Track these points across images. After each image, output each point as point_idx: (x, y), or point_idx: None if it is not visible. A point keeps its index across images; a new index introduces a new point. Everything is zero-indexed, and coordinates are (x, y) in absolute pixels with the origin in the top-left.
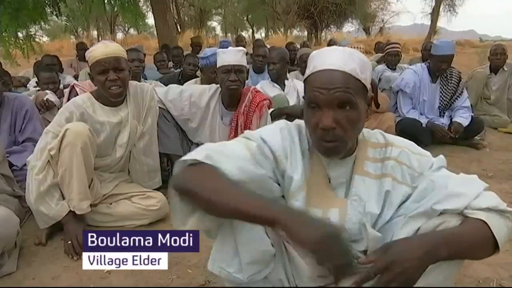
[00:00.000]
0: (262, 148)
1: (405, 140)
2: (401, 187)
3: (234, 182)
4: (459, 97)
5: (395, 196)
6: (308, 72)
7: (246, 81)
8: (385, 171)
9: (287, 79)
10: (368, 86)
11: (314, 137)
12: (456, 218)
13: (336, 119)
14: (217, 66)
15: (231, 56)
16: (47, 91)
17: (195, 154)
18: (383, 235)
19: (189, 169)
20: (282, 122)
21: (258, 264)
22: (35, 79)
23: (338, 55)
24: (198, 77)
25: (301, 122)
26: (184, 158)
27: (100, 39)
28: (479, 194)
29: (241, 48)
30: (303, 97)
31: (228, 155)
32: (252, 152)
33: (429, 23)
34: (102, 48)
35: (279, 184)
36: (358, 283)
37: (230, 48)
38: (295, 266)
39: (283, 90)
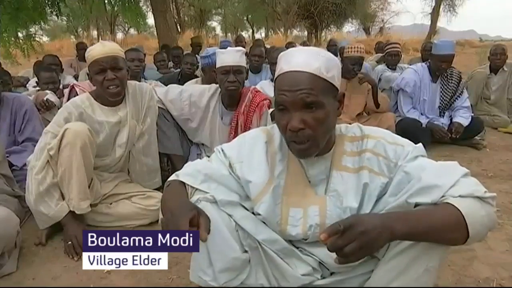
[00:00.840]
0: (217, 155)
1: (382, 129)
2: (378, 178)
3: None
4: (459, 97)
5: (373, 187)
6: (276, 74)
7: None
8: (362, 164)
9: None
10: (336, 84)
11: (286, 138)
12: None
13: (304, 120)
14: (216, 67)
15: (230, 57)
16: (47, 91)
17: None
18: None
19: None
20: (249, 132)
21: (231, 271)
22: (35, 79)
23: (303, 56)
24: (196, 76)
25: None
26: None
27: (100, 39)
28: (455, 183)
29: (240, 48)
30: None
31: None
32: (211, 160)
33: (429, 23)
34: (100, 48)
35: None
36: (327, 234)
37: (229, 48)
38: (278, 269)
39: None
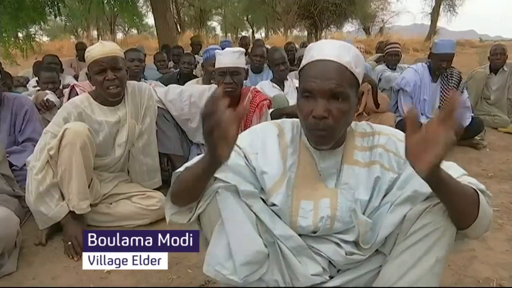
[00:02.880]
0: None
1: (391, 128)
2: (388, 173)
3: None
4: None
5: (383, 182)
6: (304, 62)
7: (245, 81)
8: (374, 158)
9: (287, 79)
10: (360, 81)
11: (305, 125)
12: (440, 204)
13: (328, 109)
14: (215, 67)
15: (227, 58)
16: (47, 91)
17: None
18: (373, 219)
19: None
20: (260, 124)
21: (252, 264)
22: (35, 79)
23: (335, 47)
24: (195, 75)
25: (291, 120)
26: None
27: (100, 39)
28: (460, 176)
29: (238, 48)
30: (297, 88)
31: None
32: None
33: (429, 23)
34: (100, 48)
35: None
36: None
37: (227, 49)
38: (291, 267)
39: (283, 91)
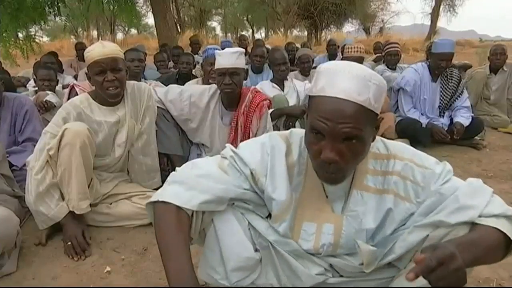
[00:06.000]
0: (234, 164)
1: (408, 149)
2: (404, 204)
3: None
4: (459, 97)
5: (397, 213)
6: (314, 91)
7: (245, 81)
8: (387, 187)
9: (287, 79)
10: (378, 111)
11: (314, 163)
12: (465, 226)
13: (340, 152)
14: (215, 68)
15: (226, 59)
16: (48, 91)
17: (167, 192)
18: (383, 245)
19: (159, 209)
20: (266, 137)
21: (243, 270)
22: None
23: (353, 82)
24: (193, 75)
25: (300, 132)
26: (157, 196)
27: (100, 39)
28: (488, 202)
29: (238, 49)
30: (304, 107)
31: (200, 185)
32: (224, 169)
33: (429, 23)
34: (100, 49)
35: (261, 198)
36: (415, 275)
37: (226, 49)
38: (291, 268)
39: (283, 91)
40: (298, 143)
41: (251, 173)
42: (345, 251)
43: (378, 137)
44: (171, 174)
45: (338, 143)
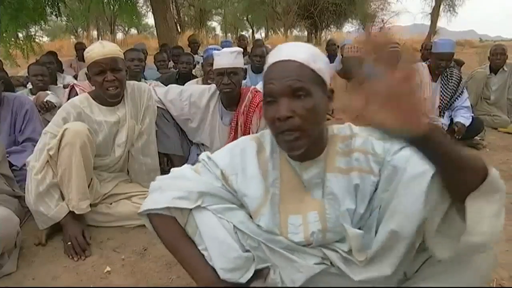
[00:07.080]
0: (206, 166)
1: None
2: (369, 177)
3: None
4: (459, 97)
5: (365, 187)
6: (265, 68)
7: (245, 81)
8: (352, 164)
9: None
10: (325, 77)
11: (274, 133)
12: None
13: (292, 108)
14: (213, 68)
15: (224, 59)
16: (48, 91)
17: (146, 204)
18: (368, 231)
19: (154, 221)
20: (237, 141)
21: (235, 271)
22: None
23: (290, 47)
24: (193, 75)
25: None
26: (147, 207)
27: (100, 39)
28: None
29: (236, 48)
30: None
31: (173, 186)
32: (198, 171)
33: (429, 23)
34: (99, 49)
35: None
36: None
37: (224, 49)
38: (289, 260)
39: None
40: (270, 140)
41: (222, 172)
42: (335, 236)
43: (347, 123)
44: (150, 184)
45: (288, 101)
